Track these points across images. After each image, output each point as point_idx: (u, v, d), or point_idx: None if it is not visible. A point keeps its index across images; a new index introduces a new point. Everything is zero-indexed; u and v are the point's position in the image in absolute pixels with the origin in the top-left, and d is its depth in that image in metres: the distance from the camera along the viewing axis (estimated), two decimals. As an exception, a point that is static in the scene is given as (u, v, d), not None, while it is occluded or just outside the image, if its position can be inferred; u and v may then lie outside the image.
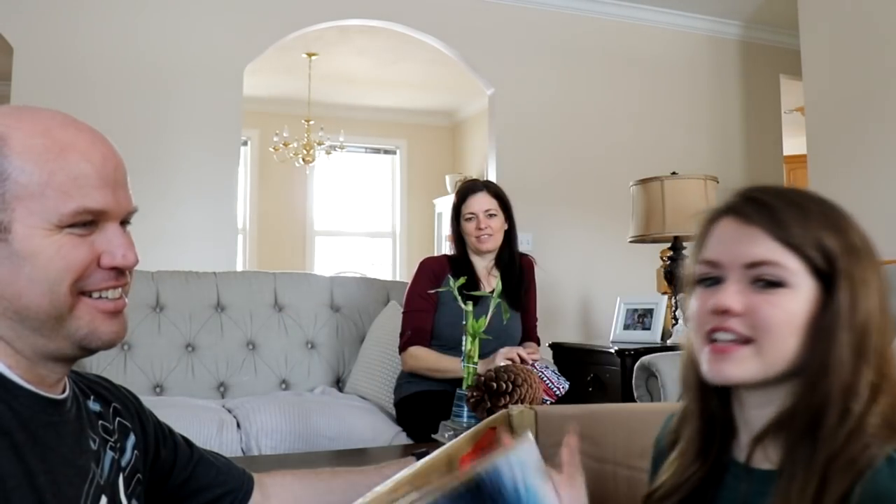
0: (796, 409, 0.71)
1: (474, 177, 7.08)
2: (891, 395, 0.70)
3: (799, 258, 0.72)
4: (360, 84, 6.51)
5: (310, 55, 5.70)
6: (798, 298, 0.71)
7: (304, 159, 6.20)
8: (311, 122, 6.19)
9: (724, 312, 0.72)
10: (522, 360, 2.06)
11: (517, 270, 2.42)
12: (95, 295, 0.74)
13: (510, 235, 2.41)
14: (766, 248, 0.72)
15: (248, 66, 3.98)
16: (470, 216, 2.35)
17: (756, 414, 0.74)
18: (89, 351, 0.75)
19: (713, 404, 0.79)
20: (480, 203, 2.34)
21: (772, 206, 0.73)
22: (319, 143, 6.18)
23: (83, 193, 0.71)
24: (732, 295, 0.72)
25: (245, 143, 6.81)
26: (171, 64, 3.79)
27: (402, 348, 2.35)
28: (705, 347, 0.74)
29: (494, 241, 2.36)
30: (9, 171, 0.69)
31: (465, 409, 1.69)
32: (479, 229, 2.33)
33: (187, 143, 3.79)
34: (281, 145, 6.14)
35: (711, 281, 0.75)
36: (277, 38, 4.03)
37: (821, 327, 0.70)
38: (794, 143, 5.68)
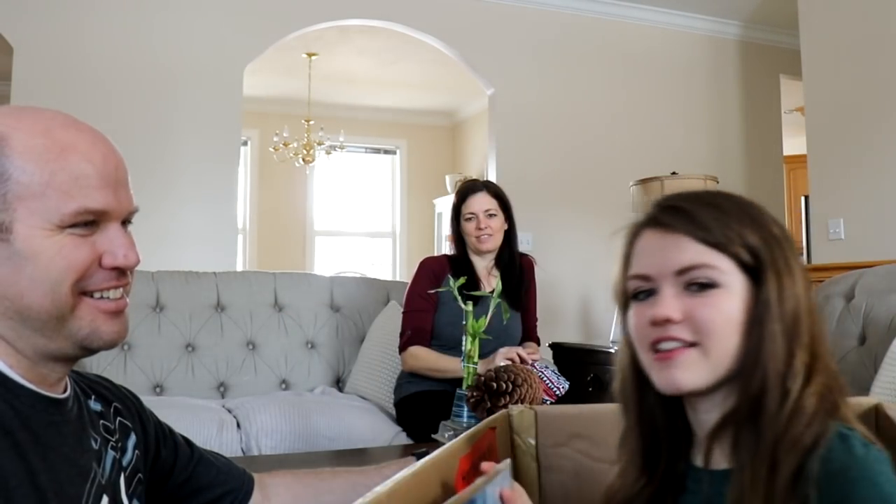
0: (739, 402, 0.72)
1: (474, 177, 7.09)
2: (824, 375, 0.71)
3: (726, 257, 0.73)
4: (360, 84, 6.50)
5: (310, 55, 5.69)
6: (732, 296, 0.72)
7: (304, 159, 6.20)
8: (311, 122, 6.19)
9: (664, 322, 0.72)
10: (522, 360, 2.06)
11: (517, 270, 2.42)
12: (97, 295, 0.74)
13: (510, 235, 2.41)
14: (693, 253, 0.73)
15: (248, 66, 3.98)
16: (470, 216, 2.35)
17: (707, 418, 0.75)
18: (90, 351, 0.75)
19: (657, 417, 0.79)
20: (480, 203, 2.34)
21: (689, 211, 0.75)
22: (319, 143, 6.18)
23: (84, 194, 0.71)
24: (669, 303, 0.73)
25: (245, 143, 6.81)
26: (171, 64, 3.79)
27: (402, 348, 2.35)
28: (651, 359, 0.74)
29: (494, 241, 2.36)
30: (10, 171, 0.69)
31: (465, 409, 1.69)
32: (479, 229, 2.33)
33: (187, 143, 3.79)
34: (281, 145, 6.14)
35: (645, 294, 0.76)
36: (277, 38, 4.03)
37: (754, 321, 0.71)
38: (794, 143, 5.68)
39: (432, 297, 2.34)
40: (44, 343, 0.72)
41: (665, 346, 0.73)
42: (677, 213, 0.75)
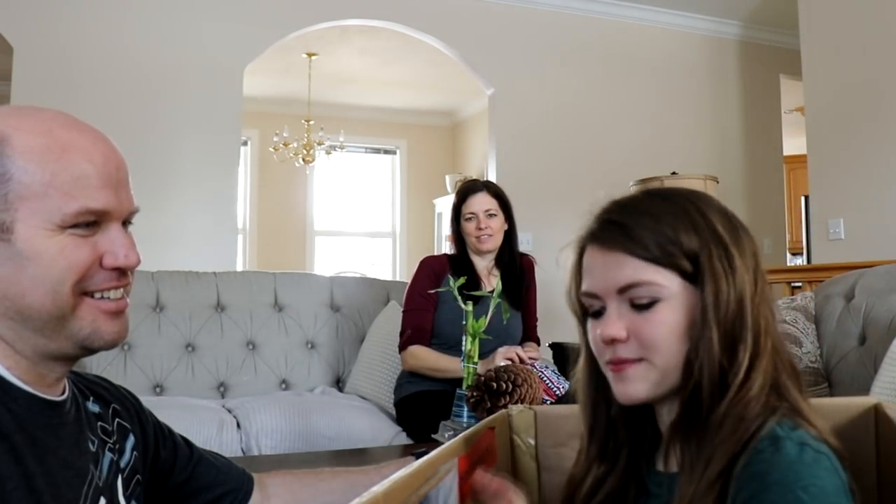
0: (681, 406, 0.73)
1: (474, 177, 7.10)
2: (769, 360, 0.72)
3: (664, 269, 0.73)
4: (360, 84, 6.50)
5: (310, 55, 5.69)
6: (674, 308, 0.73)
7: (304, 159, 6.20)
8: (311, 122, 6.19)
9: (611, 342, 0.74)
10: (521, 360, 2.06)
11: (517, 270, 2.42)
12: (97, 295, 0.74)
13: (510, 235, 2.41)
14: (632, 270, 0.73)
15: (248, 66, 3.98)
16: (470, 216, 2.35)
17: (668, 421, 0.77)
18: (91, 351, 0.75)
19: (619, 420, 0.81)
20: (480, 203, 2.34)
21: (626, 225, 0.75)
22: (319, 143, 6.18)
23: (85, 194, 0.71)
24: (614, 323, 0.74)
25: (245, 143, 6.81)
26: (171, 64, 3.79)
27: (402, 347, 2.35)
28: (608, 372, 0.76)
29: (494, 241, 2.36)
30: (11, 171, 0.69)
31: (465, 408, 1.69)
32: (479, 229, 2.33)
33: (188, 142, 3.79)
34: (281, 145, 6.14)
35: (597, 312, 0.77)
36: (277, 38, 4.03)
37: (692, 327, 0.72)
38: (794, 143, 5.68)
39: (432, 297, 2.34)
40: (44, 343, 0.72)
41: (616, 359, 0.75)
42: (614, 228, 0.76)
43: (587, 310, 0.80)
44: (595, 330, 0.77)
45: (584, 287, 0.78)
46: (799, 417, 0.69)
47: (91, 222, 0.72)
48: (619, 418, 0.81)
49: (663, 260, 0.73)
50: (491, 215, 2.35)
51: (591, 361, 0.81)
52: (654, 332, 0.73)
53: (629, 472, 0.80)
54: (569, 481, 0.85)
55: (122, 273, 0.75)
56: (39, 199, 0.69)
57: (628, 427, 0.81)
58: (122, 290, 0.76)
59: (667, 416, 0.77)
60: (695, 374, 0.71)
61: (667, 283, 0.73)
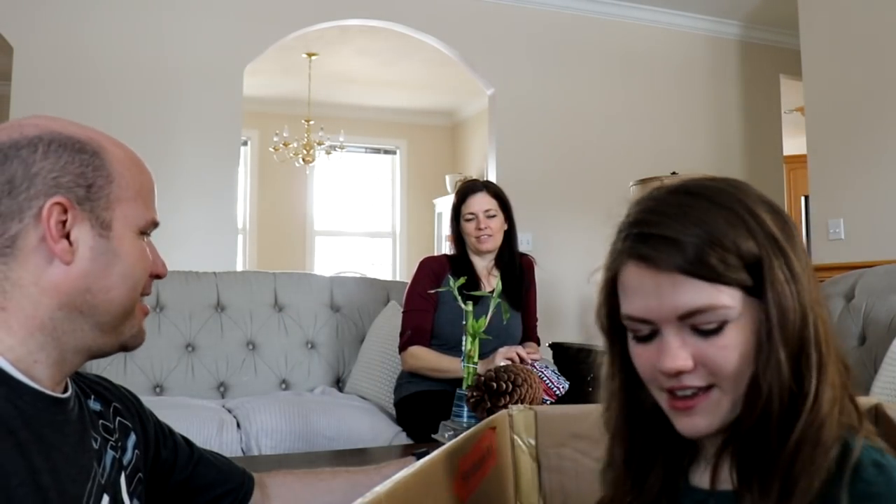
0: (741, 427, 0.66)
1: (474, 177, 7.10)
2: (834, 369, 0.66)
3: (728, 287, 0.64)
4: (360, 84, 6.51)
5: (310, 55, 5.70)
6: (740, 327, 0.65)
7: (304, 159, 6.20)
8: (311, 122, 6.19)
9: (676, 374, 0.66)
10: (522, 360, 2.06)
11: (517, 270, 2.42)
12: (140, 299, 0.81)
13: (510, 235, 2.41)
14: (693, 294, 0.64)
15: (248, 66, 3.98)
16: (470, 216, 2.35)
17: (717, 439, 0.69)
18: (126, 349, 0.81)
19: (654, 435, 0.73)
20: (480, 203, 2.34)
21: (676, 241, 0.64)
22: (319, 143, 6.18)
23: (152, 206, 0.82)
24: (678, 354, 0.65)
25: (245, 143, 6.81)
26: (171, 64, 3.79)
27: (402, 348, 2.35)
28: (668, 403, 0.68)
29: (494, 242, 2.36)
30: (113, 175, 0.77)
31: (465, 409, 1.69)
32: (479, 229, 2.32)
33: (188, 142, 3.79)
34: (281, 145, 6.15)
35: (647, 336, 0.68)
36: (277, 38, 4.03)
37: (761, 344, 0.65)
38: (794, 143, 5.68)
39: (432, 297, 2.34)
40: (93, 338, 0.76)
41: (681, 393, 0.66)
42: (662, 245, 0.65)
43: (624, 331, 0.70)
44: (649, 357, 0.67)
45: (630, 310, 0.68)
46: (869, 433, 0.64)
47: (148, 232, 0.82)
48: (657, 443, 0.73)
49: (725, 277, 0.64)
50: (491, 216, 2.35)
51: (630, 389, 0.73)
52: (725, 356, 0.64)
53: (662, 490, 0.73)
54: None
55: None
56: (130, 203, 0.78)
57: (666, 450, 0.73)
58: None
59: (713, 435, 0.69)
60: (763, 396, 0.63)
61: (731, 301, 0.64)
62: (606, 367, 0.75)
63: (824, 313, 0.67)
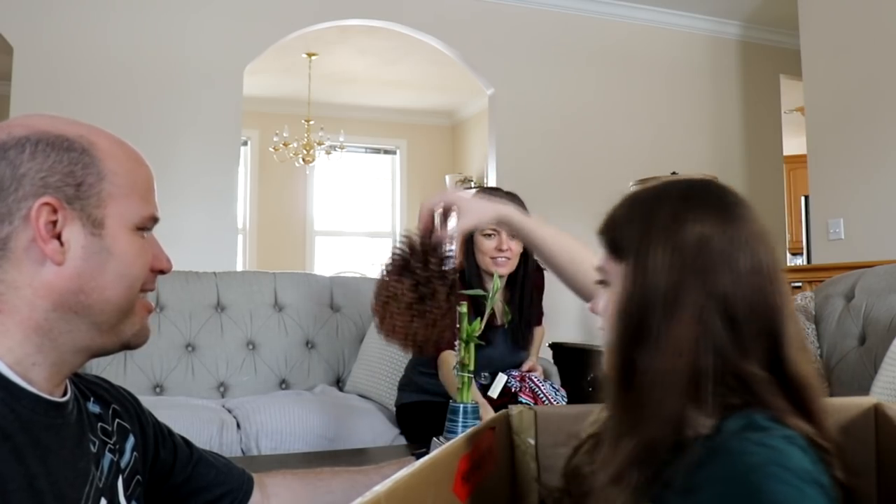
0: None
1: (474, 177, 7.10)
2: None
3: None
4: (360, 84, 6.50)
5: (310, 55, 5.69)
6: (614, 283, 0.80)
7: (304, 159, 6.20)
8: (311, 122, 6.19)
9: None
10: (522, 379, 2.05)
11: (528, 297, 2.16)
12: (142, 295, 0.80)
13: (526, 256, 2.12)
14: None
15: (248, 66, 3.98)
16: (491, 232, 2.03)
17: None
18: (129, 348, 0.80)
19: None
20: None
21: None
22: (319, 143, 6.18)
23: (151, 201, 0.80)
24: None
25: (245, 143, 6.81)
26: (171, 64, 3.79)
27: (437, 351, 2.03)
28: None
29: (511, 266, 2.05)
30: (104, 171, 0.76)
31: (460, 423, 1.40)
32: (500, 250, 2.02)
33: (188, 143, 3.79)
34: (281, 145, 6.14)
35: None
36: (277, 38, 4.03)
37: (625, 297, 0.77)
38: (794, 143, 5.68)
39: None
40: (92, 337, 0.75)
41: None
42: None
43: None
44: None
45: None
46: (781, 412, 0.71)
47: (147, 227, 0.80)
48: None
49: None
50: (514, 236, 1.86)
51: None
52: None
53: None
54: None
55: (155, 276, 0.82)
56: (124, 199, 0.76)
57: None
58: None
59: None
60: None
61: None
62: None
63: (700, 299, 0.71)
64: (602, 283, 0.80)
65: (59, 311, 0.73)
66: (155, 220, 0.81)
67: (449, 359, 2.08)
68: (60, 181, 0.73)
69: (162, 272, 0.82)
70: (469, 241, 2.10)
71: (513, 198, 2.06)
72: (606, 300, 0.77)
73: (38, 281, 0.72)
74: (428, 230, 1.18)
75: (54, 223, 0.72)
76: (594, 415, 0.85)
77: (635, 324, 0.72)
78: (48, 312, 0.72)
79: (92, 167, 0.75)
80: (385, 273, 1.15)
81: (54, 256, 0.72)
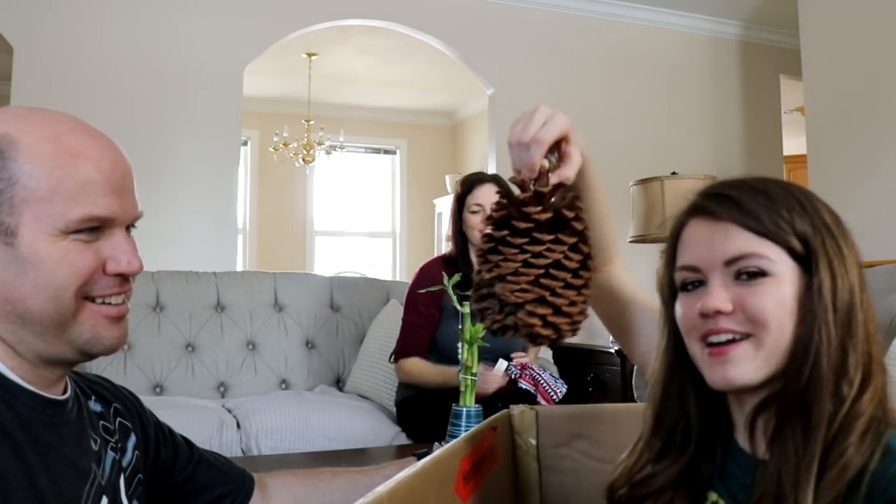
0: (785, 391, 0.68)
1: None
2: (879, 379, 0.68)
3: (776, 245, 0.70)
4: (360, 84, 6.50)
5: (310, 55, 5.69)
6: (783, 285, 0.69)
7: (304, 159, 6.20)
8: (311, 122, 6.19)
9: (714, 314, 0.70)
10: (523, 367, 2.06)
11: None
12: (99, 300, 0.74)
13: None
14: (742, 242, 0.70)
15: (248, 66, 3.98)
16: (476, 208, 2.23)
17: (750, 407, 0.73)
18: (90, 356, 0.75)
19: (693, 404, 0.76)
20: (488, 195, 2.19)
21: (737, 199, 0.72)
22: (319, 143, 6.18)
23: (90, 200, 0.71)
24: (718, 294, 0.70)
25: (245, 143, 6.81)
26: (171, 64, 3.79)
27: (394, 359, 2.32)
28: (703, 353, 0.72)
29: None
30: (17, 175, 0.69)
31: (463, 426, 1.44)
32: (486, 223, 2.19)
33: (187, 143, 3.79)
34: (281, 145, 6.14)
35: (693, 285, 0.73)
36: (277, 38, 4.03)
37: (806, 310, 0.68)
38: (794, 143, 5.68)
39: (433, 311, 2.28)
40: (44, 347, 0.72)
41: (717, 339, 0.70)
42: (724, 200, 0.72)
43: (676, 289, 0.76)
44: (692, 304, 0.72)
45: (683, 260, 0.74)
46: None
47: (94, 228, 0.72)
48: (693, 412, 0.76)
49: (774, 235, 0.70)
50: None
51: (675, 348, 0.77)
52: (763, 303, 0.69)
53: (696, 460, 0.75)
54: (620, 476, 0.80)
55: (124, 279, 0.76)
56: (44, 204, 0.69)
57: (701, 422, 0.76)
58: (122, 295, 0.76)
59: (750, 403, 0.72)
60: (809, 358, 0.67)
61: (776, 258, 0.69)
62: (660, 329, 0.80)
63: (871, 312, 0.71)
64: (735, 271, 0.71)
65: (5, 321, 0.71)
66: (96, 219, 0.72)
67: (406, 366, 2.21)
68: None
69: (122, 275, 0.75)
70: (459, 224, 2.25)
71: (497, 179, 2.26)
72: (767, 293, 0.69)
73: None
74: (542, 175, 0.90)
75: None
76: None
77: (845, 321, 0.68)
78: (1, 322, 0.71)
79: (3, 172, 0.69)
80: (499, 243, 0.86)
81: None
